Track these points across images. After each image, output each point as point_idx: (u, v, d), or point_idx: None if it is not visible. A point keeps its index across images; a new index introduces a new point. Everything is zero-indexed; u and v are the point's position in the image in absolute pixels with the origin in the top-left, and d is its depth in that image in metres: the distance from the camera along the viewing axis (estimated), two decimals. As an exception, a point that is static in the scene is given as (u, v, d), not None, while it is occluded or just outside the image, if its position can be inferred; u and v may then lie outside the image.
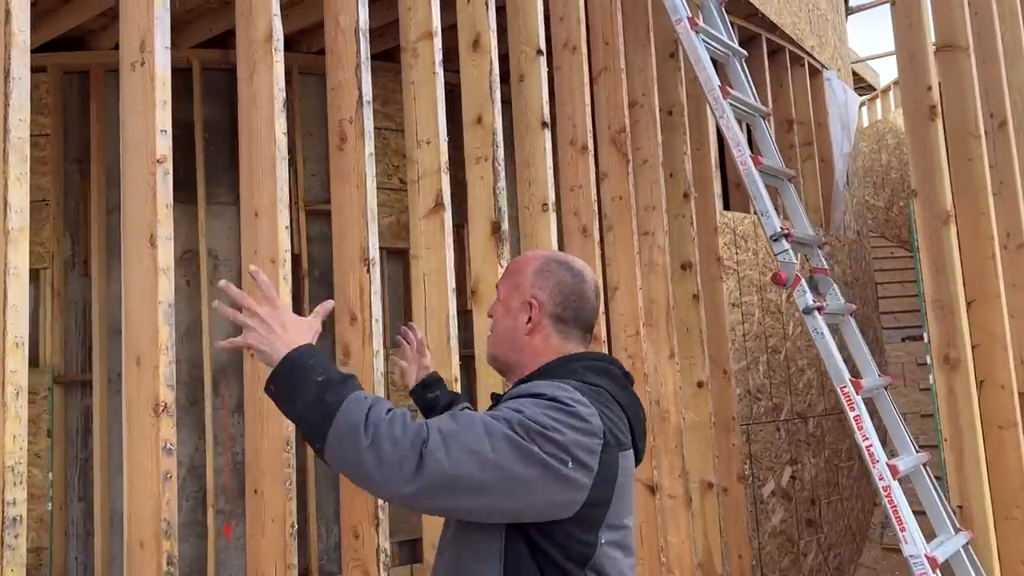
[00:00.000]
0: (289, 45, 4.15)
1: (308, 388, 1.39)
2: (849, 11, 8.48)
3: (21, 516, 1.54)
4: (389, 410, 1.38)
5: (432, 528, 2.50)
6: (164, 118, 1.89)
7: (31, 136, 4.95)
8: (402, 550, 4.86)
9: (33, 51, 4.85)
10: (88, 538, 4.76)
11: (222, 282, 1.50)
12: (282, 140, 2.16)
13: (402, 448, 1.32)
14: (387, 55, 4.48)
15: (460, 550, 1.49)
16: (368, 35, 2.43)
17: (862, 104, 11.93)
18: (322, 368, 1.42)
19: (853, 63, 11.02)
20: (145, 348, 1.84)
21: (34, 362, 4.74)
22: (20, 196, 1.61)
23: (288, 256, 2.13)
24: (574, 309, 1.66)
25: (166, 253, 1.85)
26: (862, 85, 12.57)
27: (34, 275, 4.75)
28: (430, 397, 2.13)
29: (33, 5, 2.46)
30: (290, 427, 2.09)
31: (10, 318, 1.57)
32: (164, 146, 1.88)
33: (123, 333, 1.89)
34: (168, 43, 1.92)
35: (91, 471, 4.69)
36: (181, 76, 4.70)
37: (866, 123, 11.92)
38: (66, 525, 4.92)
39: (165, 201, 1.86)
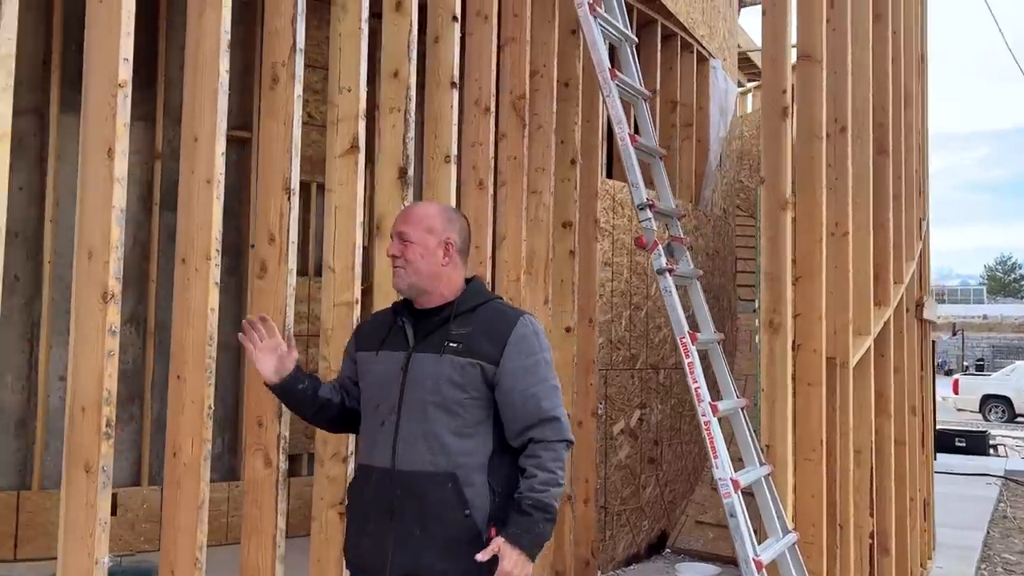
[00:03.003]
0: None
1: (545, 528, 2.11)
2: (743, 3, 9.13)
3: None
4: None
5: (328, 444, 2.88)
6: (127, 47, 2.17)
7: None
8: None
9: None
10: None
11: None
12: (224, 77, 2.47)
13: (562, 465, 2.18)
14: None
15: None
16: (306, -7, 2.75)
17: (748, 91, 12.75)
18: (534, 531, 2.09)
19: (749, 51, 11.75)
20: (97, 244, 2.15)
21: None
22: (5, 105, 1.89)
23: (223, 178, 2.46)
24: (469, 244, 2.41)
25: (121, 165, 2.16)
26: (754, 70, 13.35)
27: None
28: (301, 388, 2.31)
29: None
30: (214, 324, 2.45)
31: (-8, 207, 1.87)
32: (126, 72, 2.17)
33: (76, 231, 2.19)
34: (134, -19, 2.19)
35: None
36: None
37: (750, 108, 12.74)
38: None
39: (123, 120, 2.16)
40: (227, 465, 6.01)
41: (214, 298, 2.44)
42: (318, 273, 5.72)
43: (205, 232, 2.45)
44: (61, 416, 5.05)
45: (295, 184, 2.73)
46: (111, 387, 2.15)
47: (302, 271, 5.87)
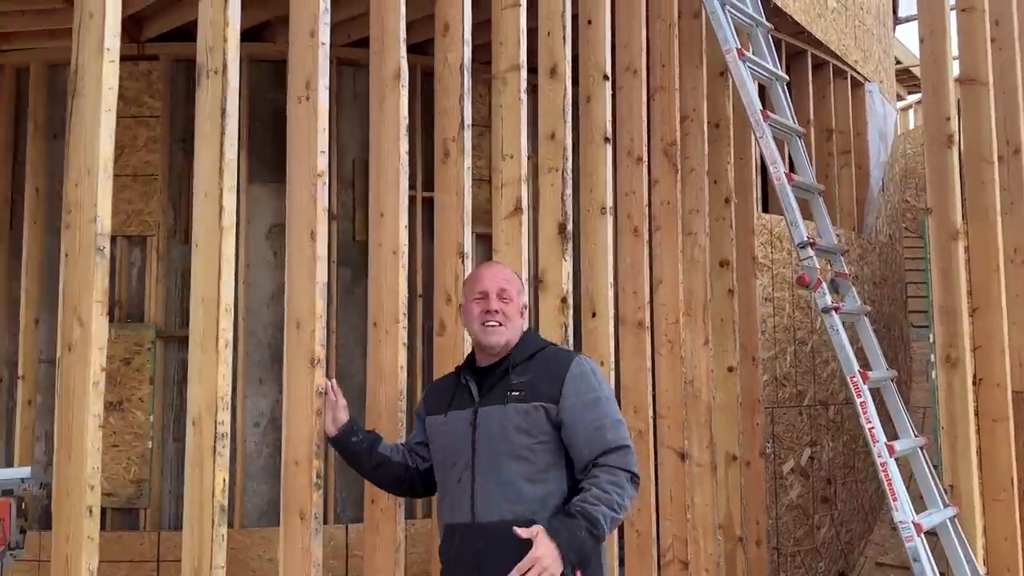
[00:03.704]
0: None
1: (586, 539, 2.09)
2: (898, 21, 8.80)
3: (227, 433, 2.16)
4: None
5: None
6: (324, 141, 2.47)
7: (143, 117, 5.54)
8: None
9: (145, 41, 5.41)
10: (181, 473, 5.43)
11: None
12: (404, 159, 2.74)
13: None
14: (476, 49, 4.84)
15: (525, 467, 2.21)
16: (471, 71, 3.00)
17: (909, 107, 12.19)
18: (576, 534, 2.07)
19: (910, 66, 11.26)
20: (304, 316, 2.44)
21: (139, 318, 5.42)
22: (231, 202, 2.21)
23: (406, 248, 2.72)
24: None
25: (322, 246, 2.45)
26: (915, 83, 12.73)
27: (140, 241, 5.43)
28: (355, 441, 2.43)
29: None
30: (403, 381, 2.69)
31: (223, 291, 2.18)
32: (323, 163, 2.47)
33: (286, 304, 2.50)
34: (328, 83, 2.50)
35: (184, 416, 5.36)
36: (274, 68, 5.29)
37: (912, 125, 12.16)
38: (162, 463, 5.60)
39: (323, 205, 2.46)
40: (406, 504, 6.33)
41: (403, 357, 2.69)
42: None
43: (393, 298, 2.70)
44: (256, 459, 5.51)
45: (468, 248, 2.95)
46: (320, 442, 2.42)
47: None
